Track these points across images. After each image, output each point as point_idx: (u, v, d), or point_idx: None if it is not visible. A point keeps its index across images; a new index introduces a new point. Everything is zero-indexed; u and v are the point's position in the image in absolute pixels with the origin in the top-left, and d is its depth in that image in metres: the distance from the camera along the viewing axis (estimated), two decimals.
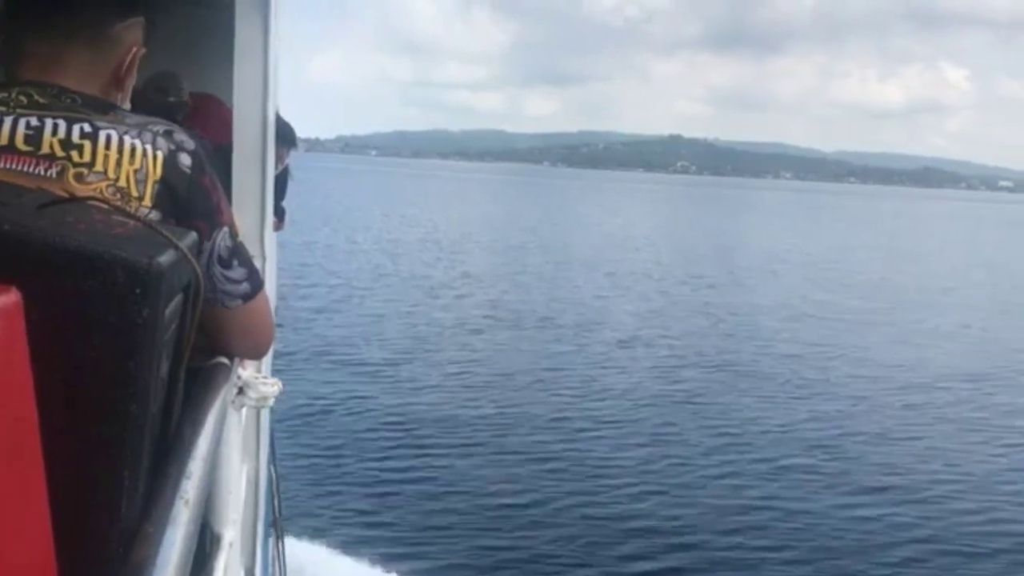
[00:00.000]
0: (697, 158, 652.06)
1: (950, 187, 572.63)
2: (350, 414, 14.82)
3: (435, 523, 10.91)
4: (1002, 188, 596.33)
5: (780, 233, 67.06)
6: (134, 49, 1.56)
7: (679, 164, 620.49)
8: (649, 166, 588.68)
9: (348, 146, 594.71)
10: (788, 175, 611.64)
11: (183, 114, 4.36)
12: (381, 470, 12.48)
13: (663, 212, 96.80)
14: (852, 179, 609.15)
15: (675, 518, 11.26)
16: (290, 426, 13.46)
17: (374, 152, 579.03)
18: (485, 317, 24.00)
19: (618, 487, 12.18)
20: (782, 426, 15.20)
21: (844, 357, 21.15)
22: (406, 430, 14.12)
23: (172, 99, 4.31)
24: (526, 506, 11.47)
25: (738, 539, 10.69)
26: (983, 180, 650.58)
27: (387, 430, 14.08)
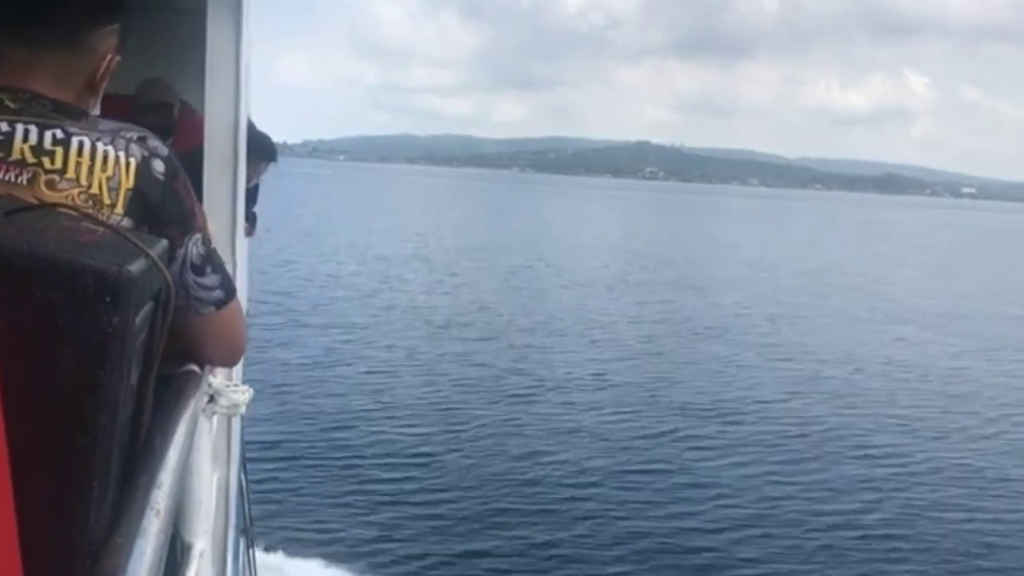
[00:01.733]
0: (665, 164, 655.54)
1: (914, 193, 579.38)
2: (322, 420, 14.79)
3: (409, 529, 10.91)
4: (965, 195, 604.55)
5: (755, 240, 67.89)
6: (109, 56, 1.54)
7: (647, 170, 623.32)
8: (618, 172, 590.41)
9: (316, 150, 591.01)
10: (755, 181, 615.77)
11: (172, 122, 4.40)
12: (354, 477, 12.46)
13: (638, 219, 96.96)
14: (817, 185, 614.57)
15: (651, 518, 11.38)
16: (262, 432, 13.41)
17: (342, 157, 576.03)
18: (462, 325, 23.96)
19: (598, 490, 12.27)
20: (749, 422, 15.49)
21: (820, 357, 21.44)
22: (380, 437, 14.11)
23: (162, 114, 4.34)
24: (503, 511, 11.52)
25: (728, 540, 10.83)
26: (946, 187, 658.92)
27: (360, 437, 14.07)
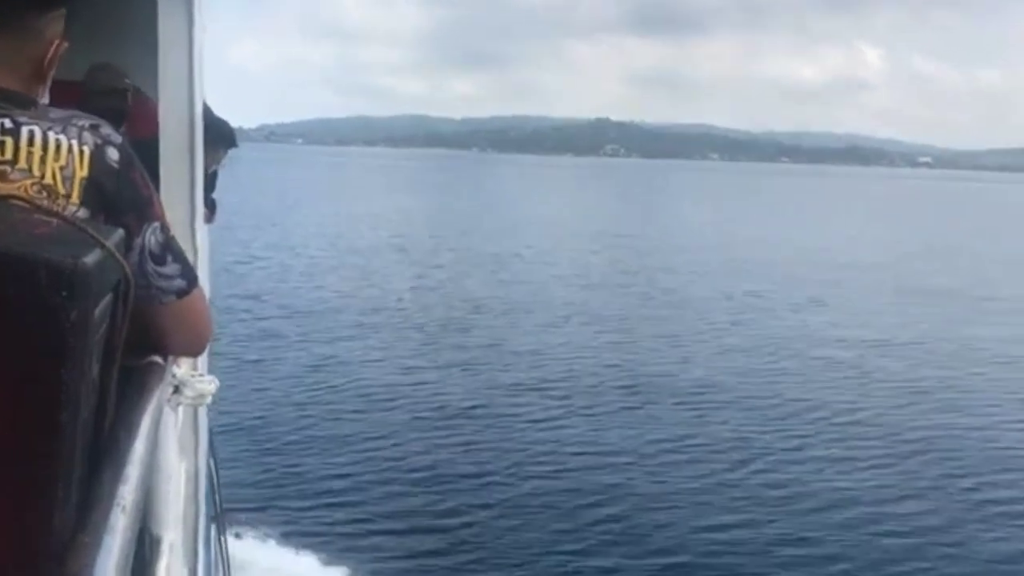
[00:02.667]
0: (625, 141, 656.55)
1: (875, 165, 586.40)
2: (294, 407, 14.78)
3: (381, 515, 10.92)
4: (922, 164, 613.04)
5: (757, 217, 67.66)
6: (56, 42, 1.50)
7: (608, 147, 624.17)
8: (578, 150, 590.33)
9: (273, 135, 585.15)
10: (715, 156, 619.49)
11: (125, 108, 4.31)
12: (326, 464, 12.45)
13: (611, 199, 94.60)
14: (784, 159, 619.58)
15: (619, 505, 11.33)
16: (233, 420, 13.38)
17: (299, 140, 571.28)
18: (460, 330, 23.91)
19: (569, 472, 12.29)
20: (712, 407, 15.50)
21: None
22: (354, 422, 14.13)
23: (114, 101, 4.25)
24: (476, 494, 11.53)
25: (715, 536, 10.66)
26: (904, 157, 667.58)
27: (334, 423, 14.07)
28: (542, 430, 13.92)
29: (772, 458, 12.98)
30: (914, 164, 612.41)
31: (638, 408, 15.17)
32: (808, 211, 79.68)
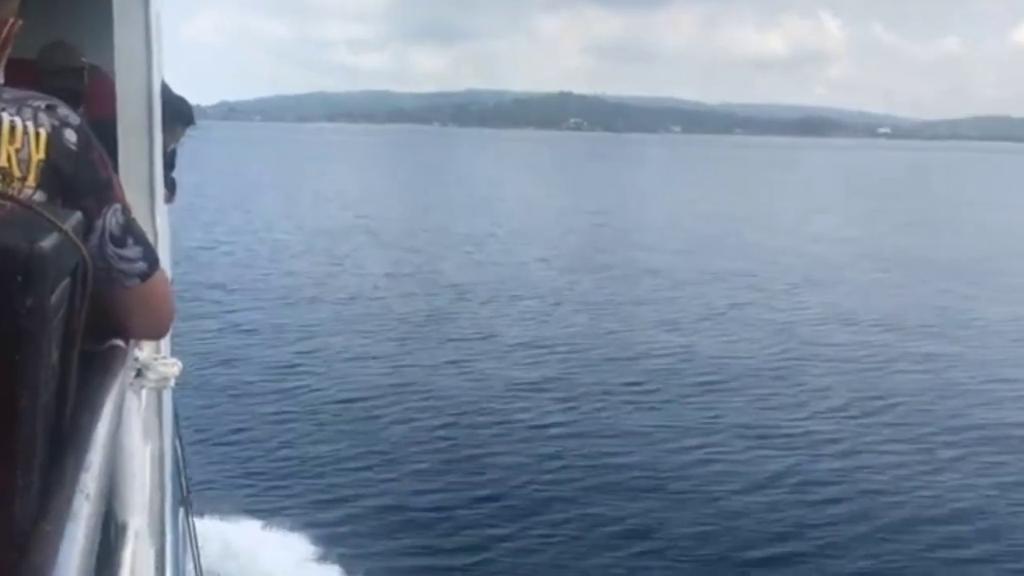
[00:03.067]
0: (588, 114, 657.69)
1: (832, 135, 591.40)
2: (266, 386, 14.82)
3: (352, 495, 10.96)
4: (880, 135, 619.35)
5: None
6: (10, 21, 1.45)
7: (571, 121, 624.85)
8: (541, 123, 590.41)
9: (232, 112, 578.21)
10: (677, 128, 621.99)
11: (82, 87, 4.22)
12: (294, 445, 12.48)
13: (577, 174, 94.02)
14: (738, 130, 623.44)
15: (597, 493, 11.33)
16: (201, 399, 13.39)
17: (258, 117, 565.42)
18: (413, 294, 23.71)
19: (550, 455, 12.32)
20: (666, 385, 15.62)
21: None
22: (323, 404, 14.16)
23: (70, 80, 4.17)
24: (448, 477, 11.57)
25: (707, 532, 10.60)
26: (863, 127, 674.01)
27: (303, 405, 14.10)
28: (527, 416, 13.90)
29: (774, 440, 13.02)
30: (873, 135, 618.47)
31: (635, 395, 15.06)
32: (776, 185, 80.00)
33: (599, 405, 14.30)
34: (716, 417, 13.86)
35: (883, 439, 13.02)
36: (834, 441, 12.90)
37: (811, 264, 29.55)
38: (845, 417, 13.91)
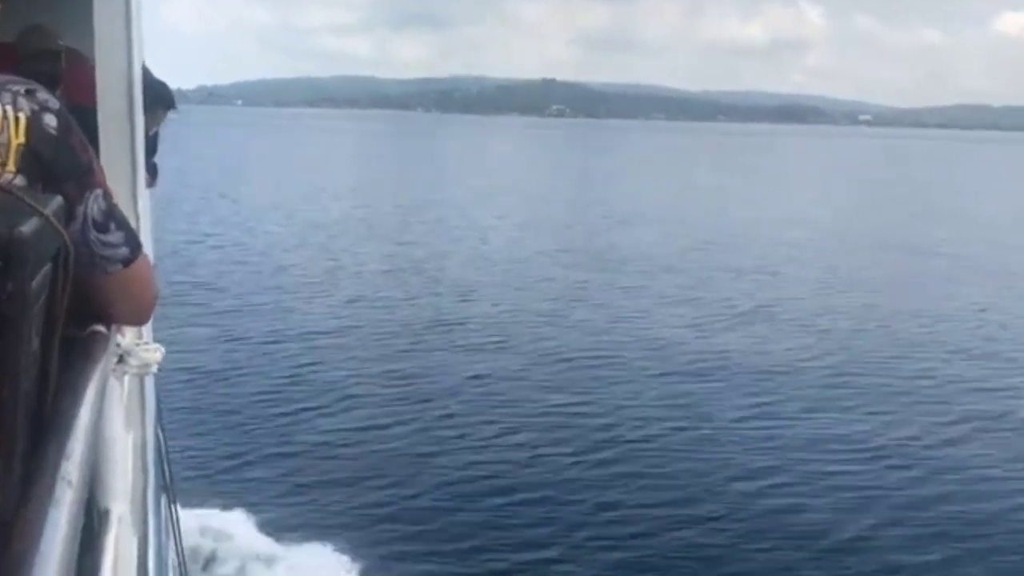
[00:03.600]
0: (571, 101, 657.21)
1: (814, 122, 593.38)
2: (249, 375, 14.77)
3: (334, 484, 10.94)
4: (862, 122, 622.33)
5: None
6: None
7: (554, 107, 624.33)
8: (524, 110, 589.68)
9: (212, 95, 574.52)
10: (660, 116, 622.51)
11: (59, 71, 4.19)
12: (278, 432, 12.46)
13: (568, 161, 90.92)
14: (721, 117, 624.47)
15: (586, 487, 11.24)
16: (187, 387, 13.39)
17: (239, 102, 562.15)
18: (418, 294, 23.59)
19: (514, 445, 12.29)
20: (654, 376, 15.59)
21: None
22: (313, 392, 14.13)
23: (48, 63, 4.13)
24: (438, 464, 11.56)
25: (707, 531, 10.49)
26: (844, 115, 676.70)
27: (288, 394, 14.03)
28: (513, 409, 13.81)
29: (779, 431, 12.99)
30: (855, 122, 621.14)
31: (637, 385, 14.95)
32: (767, 172, 79.95)
33: (605, 398, 14.19)
34: (719, 406, 13.92)
35: (898, 432, 13.04)
36: (858, 438, 12.85)
37: (831, 254, 29.63)
38: (863, 412, 13.88)
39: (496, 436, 12.50)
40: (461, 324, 18.67)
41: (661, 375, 15.40)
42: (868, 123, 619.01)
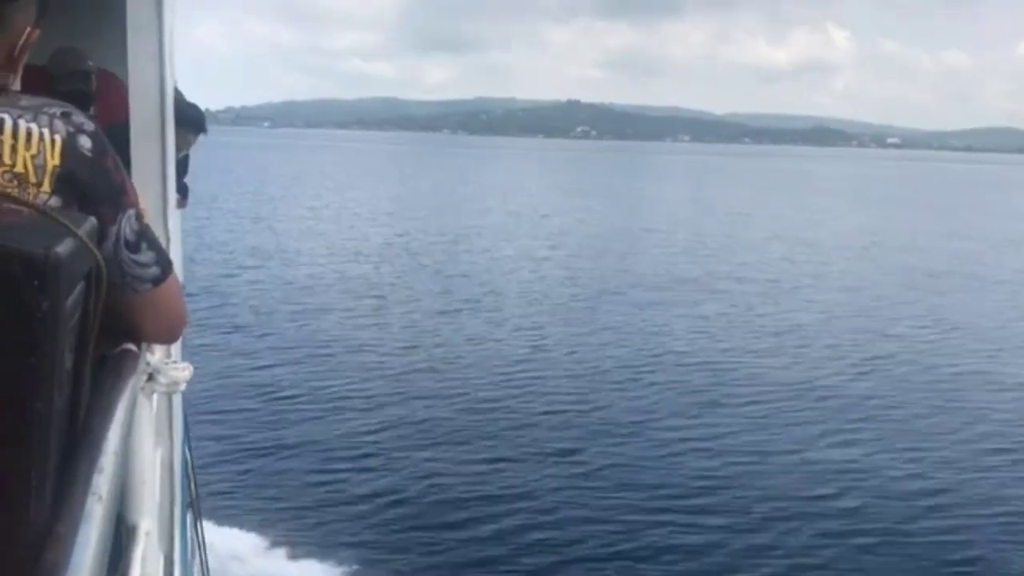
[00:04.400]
0: (596, 122, 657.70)
1: (841, 145, 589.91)
2: (273, 395, 14.79)
3: (358, 504, 10.95)
4: (890, 145, 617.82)
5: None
6: (28, 30, 1.47)
7: (579, 129, 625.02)
8: (549, 132, 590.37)
9: (239, 117, 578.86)
10: (686, 137, 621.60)
11: (90, 90, 4.26)
12: (301, 453, 12.47)
13: (603, 184, 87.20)
14: (747, 140, 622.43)
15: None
16: (212, 408, 13.39)
17: (267, 123, 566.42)
18: (418, 293, 23.71)
19: (553, 464, 12.27)
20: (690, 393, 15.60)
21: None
22: (334, 413, 14.14)
23: (91, 68, 4.21)
24: (456, 486, 11.55)
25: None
26: (872, 138, 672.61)
27: (312, 414, 14.06)
28: (540, 419, 13.90)
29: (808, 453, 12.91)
30: (883, 145, 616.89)
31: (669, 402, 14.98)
32: (805, 194, 78.54)
33: (647, 420, 14.12)
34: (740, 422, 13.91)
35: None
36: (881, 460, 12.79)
37: (872, 279, 29.20)
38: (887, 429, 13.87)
39: (540, 468, 12.29)
40: (519, 350, 18.28)
41: (694, 392, 15.46)
42: (896, 146, 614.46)
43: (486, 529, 10.45)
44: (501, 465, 12.21)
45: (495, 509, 10.94)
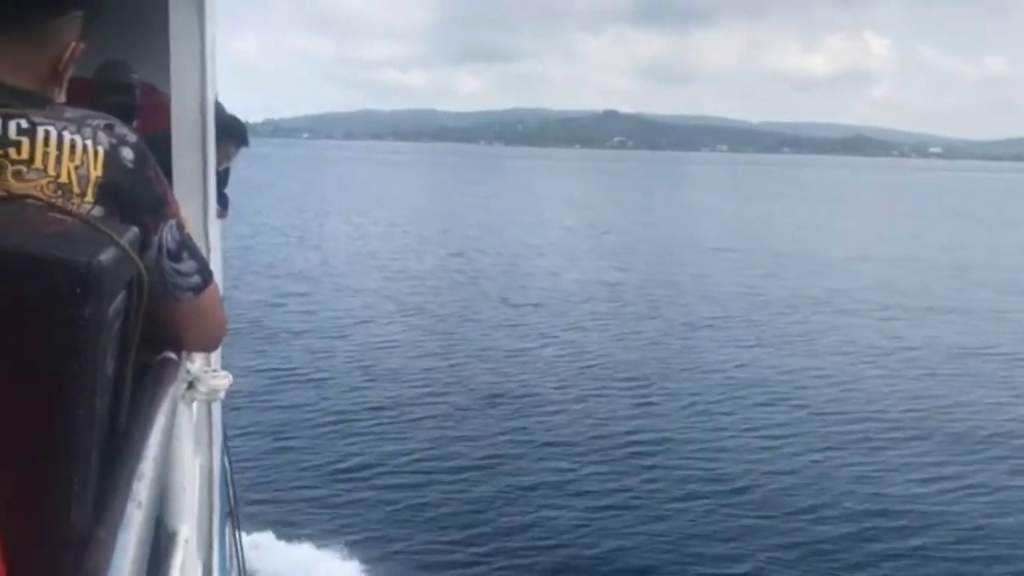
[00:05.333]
0: (632, 133, 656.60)
1: (882, 155, 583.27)
2: (310, 402, 14.78)
3: (400, 513, 10.89)
4: (932, 155, 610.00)
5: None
6: (73, 44, 1.50)
7: (615, 139, 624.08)
8: (585, 142, 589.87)
9: (279, 129, 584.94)
10: (724, 147, 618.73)
11: (135, 103, 4.34)
12: (340, 461, 12.42)
13: (659, 196, 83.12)
14: (786, 149, 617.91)
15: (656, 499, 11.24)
16: (249, 415, 13.41)
17: (305, 135, 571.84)
18: (450, 301, 23.30)
19: (592, 476, 12.08)
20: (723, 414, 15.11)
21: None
22: (366, 418, 14.11)
23: (136, 81, 4.29)
24: (491, 490, 11.49)
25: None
26: (913, 147, 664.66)
27: (348, 418, 14.06)
28: (577, 431, 13.72)
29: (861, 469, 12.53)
30: (924, 155, 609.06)
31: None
32: (872, 207, 75.69)
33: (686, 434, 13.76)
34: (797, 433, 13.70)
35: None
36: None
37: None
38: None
39: (580, 484, 11.99)
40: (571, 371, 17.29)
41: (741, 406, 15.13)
42: (938, 155, 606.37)
43: (544, 556, 10.17)
44: (568, 496, 11.67)
45: (555, 539, 10.55)
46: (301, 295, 24.87)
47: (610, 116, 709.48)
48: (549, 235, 42.12)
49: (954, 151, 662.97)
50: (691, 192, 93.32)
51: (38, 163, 1.36)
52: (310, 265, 30.55)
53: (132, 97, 4.37)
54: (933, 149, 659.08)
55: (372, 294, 25.39)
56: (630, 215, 57.54)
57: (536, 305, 24.05)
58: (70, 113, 1.45)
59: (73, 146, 1.40)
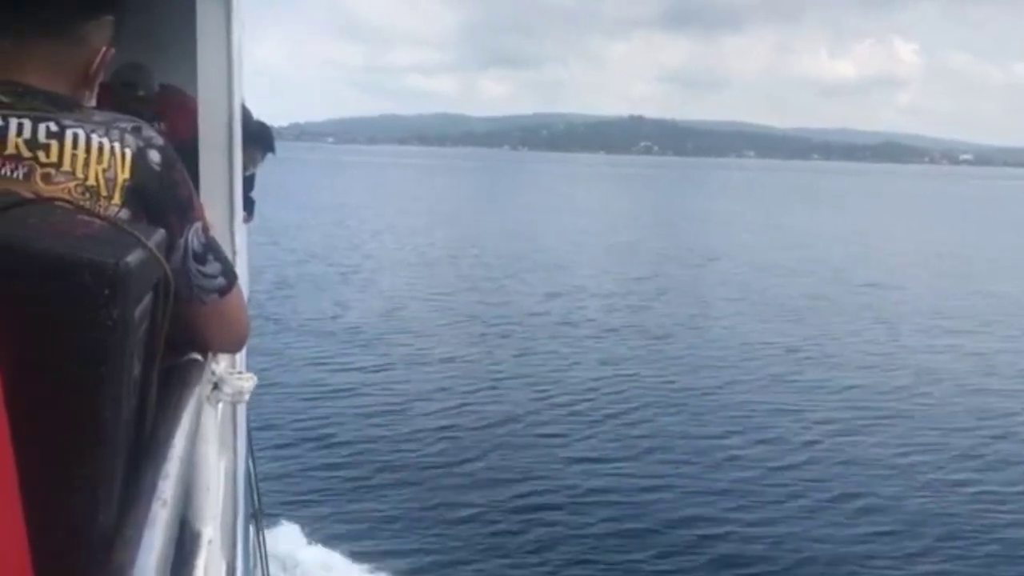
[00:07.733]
0: (659, 138, 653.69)
1: (913, 161, 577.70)
2: (333, 405, 14.87)
3: (419, 513, 10.94)
4: (963, 161, 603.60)
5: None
6: (103, 49, 1.52)
7: (642, 144, 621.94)
8: (610, 147, 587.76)
9: (304, 133, 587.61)
10: (751, 153, 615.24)
11: (152, 107, 4.34)
12: (363, 463, 12.45)
13: (695, 203, 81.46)
14: (815, 156, 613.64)
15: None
16: (273, 417, 13.48)
17: (331, 139, 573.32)
18: (475, 305, 23.32)
19: (615, 480, 12.11)
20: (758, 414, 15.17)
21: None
22: (391, 420, 14.16)
23: (141, 93, 4.30)
24: (513, 495, 11.49)
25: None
26: (944, 153, 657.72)
27: (370, 420, 14.12)
28: (600, 439, 13.71)
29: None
30: (955, 161, 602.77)
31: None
32: (921, 215, 73.76)
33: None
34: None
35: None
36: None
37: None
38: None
39: (612, 491, 11.93)
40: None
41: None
42: (969, 162, 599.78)
43: (570, 544, 10.35)
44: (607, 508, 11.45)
45: (591, 543, 10.51)
46: (336, 287, 25.84)
47: (636, 121, 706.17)
48: (591, 249, 39.71)
49: (985, 157, 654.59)
50: (733, 201, 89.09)
51: (67, 166, 1.38)
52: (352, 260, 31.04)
53: (151, 99, 4.38)
54: (964, 156, 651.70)
55: (404, 297, 25.39)
56: (675, 225, 55.09)
57: (588, 321, 22.84)
58: (99, 116, 1.47)
59: (101, 149, 1.42)
